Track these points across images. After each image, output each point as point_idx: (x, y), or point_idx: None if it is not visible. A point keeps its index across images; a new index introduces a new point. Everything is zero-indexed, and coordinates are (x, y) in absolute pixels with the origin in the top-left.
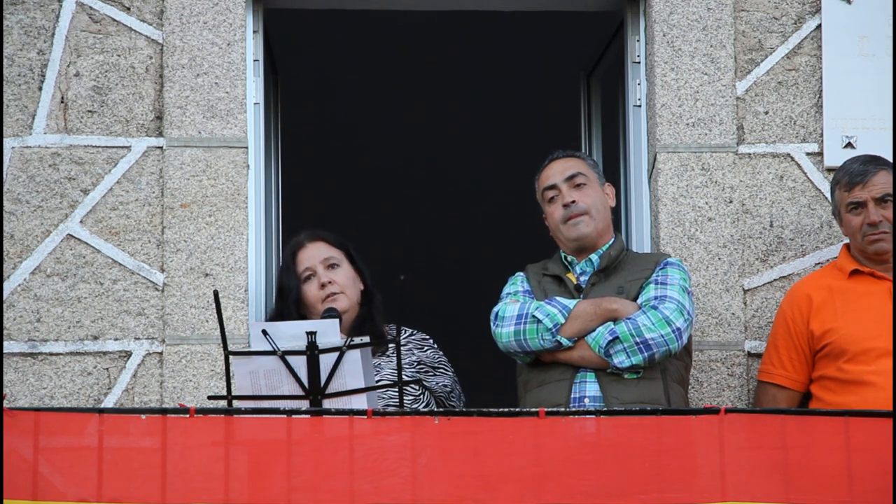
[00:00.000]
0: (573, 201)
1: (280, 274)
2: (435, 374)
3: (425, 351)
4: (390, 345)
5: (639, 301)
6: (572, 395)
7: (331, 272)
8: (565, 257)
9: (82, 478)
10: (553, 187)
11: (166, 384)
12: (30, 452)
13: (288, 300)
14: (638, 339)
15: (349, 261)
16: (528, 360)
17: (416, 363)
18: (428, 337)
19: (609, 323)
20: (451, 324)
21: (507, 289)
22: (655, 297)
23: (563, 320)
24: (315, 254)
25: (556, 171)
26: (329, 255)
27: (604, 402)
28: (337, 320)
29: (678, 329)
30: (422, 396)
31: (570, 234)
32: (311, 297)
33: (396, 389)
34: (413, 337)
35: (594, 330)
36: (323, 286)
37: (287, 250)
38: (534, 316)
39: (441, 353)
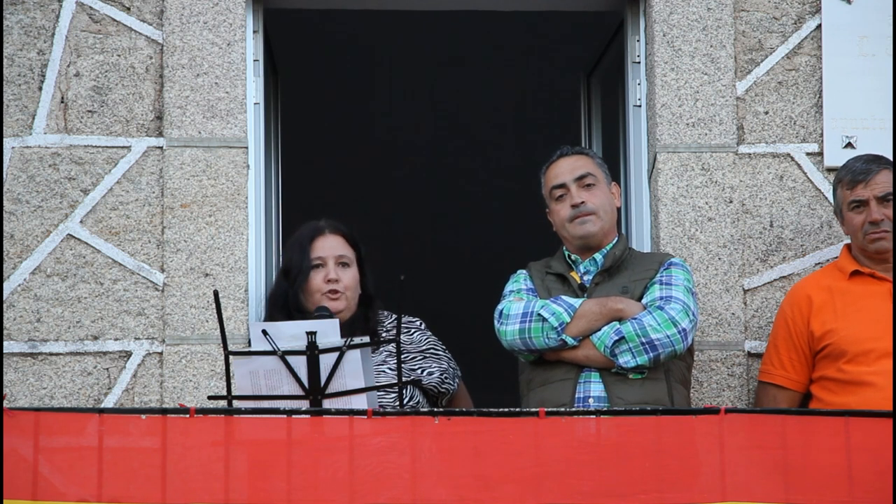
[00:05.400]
0: (582, 202)
1: (290, 252)
2: (424, 359)
3: (412, 334)
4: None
5: (644, 301)
6: (576, 395)
7: (340, 270)
8: (569, 255)
9: (82, 478)
10: (562, 186)
11: (166, 384)
12: (30, 452)
13: (296, 282)
14: (644, 340)
15: (357, 263)
16: (532, 358)
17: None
18: (415, 320)
19: (614, 323)
20: (452, 323)
21: (509, 286)
22: (661, 298)
23: (568, 319)
24: (332, 245)
25: (566, 170)
26: (343, 253)
27: (608, 402)
28: (337, 321)
29: (684, 330)
30: (404, 390)
31: (577, 232)
32: (313, 286)
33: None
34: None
35: (599, 329)
36: (329, 281)
37: (305, 232)
38: (539, 314)
39: (429, 334)
